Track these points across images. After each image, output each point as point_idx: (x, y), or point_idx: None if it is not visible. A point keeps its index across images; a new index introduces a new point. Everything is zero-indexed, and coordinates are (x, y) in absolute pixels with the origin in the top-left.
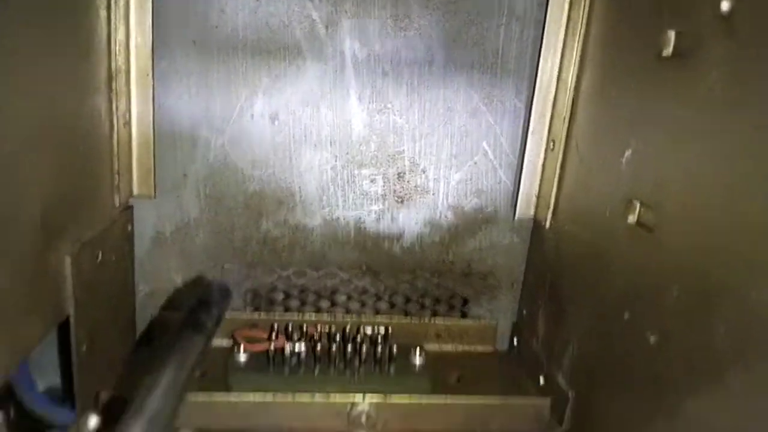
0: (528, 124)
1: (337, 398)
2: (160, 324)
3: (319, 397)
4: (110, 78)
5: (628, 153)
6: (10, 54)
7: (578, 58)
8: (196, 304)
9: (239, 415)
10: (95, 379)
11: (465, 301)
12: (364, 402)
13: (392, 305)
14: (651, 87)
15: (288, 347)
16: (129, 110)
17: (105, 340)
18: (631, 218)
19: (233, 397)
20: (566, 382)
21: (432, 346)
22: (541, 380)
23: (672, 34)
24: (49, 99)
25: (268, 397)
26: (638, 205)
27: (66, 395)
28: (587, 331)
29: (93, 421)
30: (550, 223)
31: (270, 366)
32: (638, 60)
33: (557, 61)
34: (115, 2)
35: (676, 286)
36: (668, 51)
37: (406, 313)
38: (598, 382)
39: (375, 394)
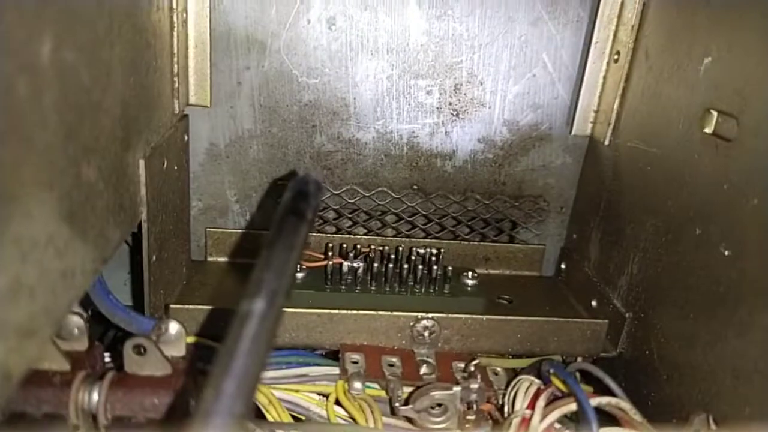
0: (591, 35)
1: (400, 315)
2: None
3: (382, 313)
4: None
5: (707, 60)
6: None
7: None
8: (293, 195)
9: (301, 328)
10: (164, 291)
11: (513, 225)
12: (427, 319)
13: (442, 228)
14: None
15: (345, 265)
16: (186, 8)
17: (170, 253)
18: (708, 129)
19: (296, 311)
20: (622, 304)
21: (480, 270)
22: (594, 303)
23: None
24: None
25: (332, 312)
26: (716, 115)
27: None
28: (649, 250)
29: (174, 327)
30: (610, 140)
31: (327, 283)
32: None
33: None
34: None
35: (756, 196)
36: None
37: (455, 236)
38: (658, 302)
39: (435, 313)
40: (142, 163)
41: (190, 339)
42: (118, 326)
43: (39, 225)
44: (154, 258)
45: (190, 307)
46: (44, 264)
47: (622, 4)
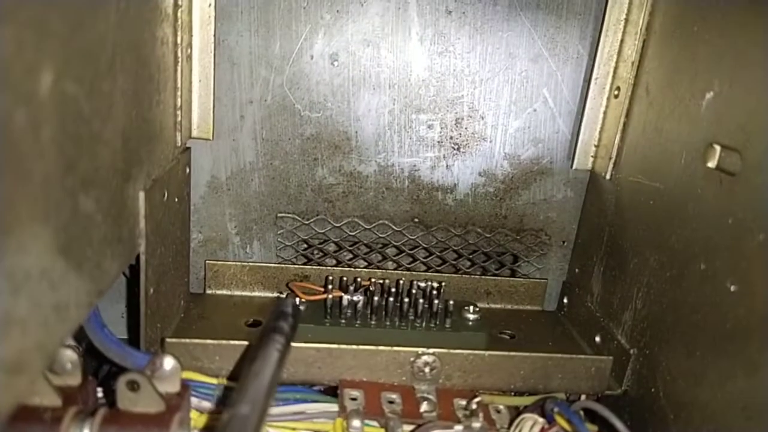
0: (591, 71)
1: (400, 350)
2: None
3: (382, 348)
4: (176, 5)
5: (709, 95)
6: None
7: None
8: (275, 315)
9: (299, 363)
10: (160, 325)
11: (515, 259)
12: (427, 354)
13: (443, 261)
14: (741, 22)
15: (345, 298)
16: (191, 44)
17: (168, 286)
18: (711, 163)
19: (295, 345)
20: (626, 340)
21: (481, 304)
22: (597, 339)
23: None
24: (123, 21)
25: (331, 347)
26: (719, 149)
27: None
28: (653, 286)
29: (169, 362)
30: (611, 174)
31: (326, 317)
32: None
33: (626, 3)
34: None
35: (762, 231)
36: None
37: (456, 270)
38: (664, 339)
39: (436, 348)
40: (142, 195)
41: (186, 374)
42: (112, 361)
43: (33, 257)
44: (151, 291)
45: (187, 341)
46: (37, 297)
47: (622, 40)
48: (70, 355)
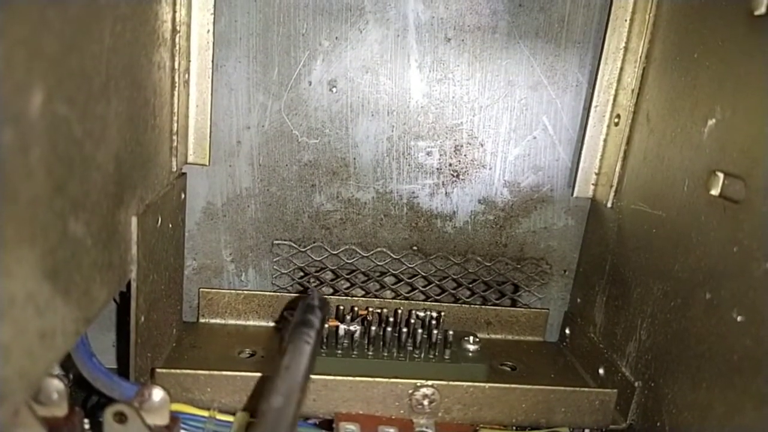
0: (590, 99)
1: (398, 382)
2: None
3: (379, 380)
4: (174, 30)
5: (711, 122)
6: None
7: (650, 26)
8: (303, 309)
9: None
10: (151, 354)
11: (516, 288)
12: (426, 387)
13: (442, 290)
14: (742, 48)
15: (342, 328)
16: (189, 69)
17: (160, 314)
18: (714, 191)
19: None
20: (631, 372)
21: (481, 334)
22: (601, 371)
23: None
24: (118, 44)
25: (327, 379)
26: (722, 177)
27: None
28: (657, 316)
29: (158, 394)
30: (613, 202)
31: (323, 347)
32: (725, 21)
33: (625, 31)
34: None
35: (767, 259)
36: (761, 10)
37: (456, 299)
38: (669, 371)
39: (435, 380)
40: (134, 220)
41: (175, 406)
42: (99, 391)
43: (18, 282)
44: (142, 319)
45: (177, 371)
46: (21, 323)
47: (622, 68)
48: (56, 385)
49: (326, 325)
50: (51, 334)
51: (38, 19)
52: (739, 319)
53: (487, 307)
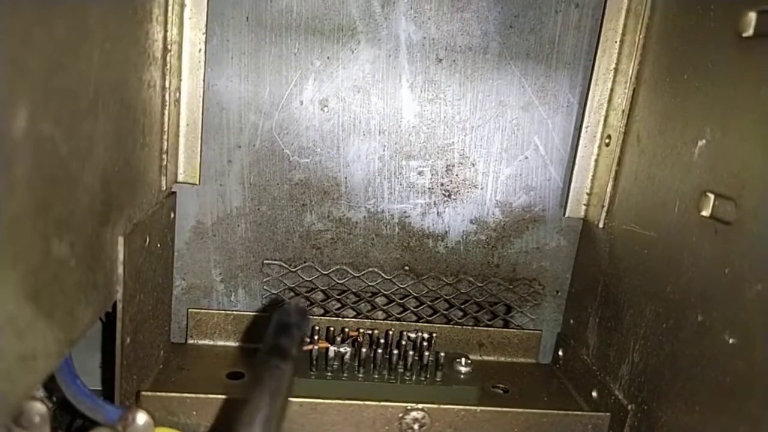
0: (581, 120)
1: (388, 405)
2: None
3: (369, 403)
4: (165, 50)
5: (701, 142)
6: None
7: (640, 48)
8: (275, 330)
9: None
10: (137, 377)
11: (508, 309)
12: (417, 410)
13: (434, 311)
14: (731, 70)
15: (332, 350)
16: (179, 88)
17: (146, 336)
18: (705, 212)
19: None
20: (624, 395)
21: (473, 356)
22: (594, 394)
23: (753, 15)
24: (107, 63)
25: (315, 402)
26: (713, 198)
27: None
28: (650, 338)
29: (142, 418)
30: (604, 223)
31: (312, 369)
32: (714, 43)
33: (615, 53)
34: None
35: (759, 281)
36: (749, 32)
37: (448, 320)
38: (662, 393)
39: (426, 404)
40: (121, 239)
41: (161, 430)
42: (83, 414)
43: None
44: (128, 340)
45: (163, 394)
46: (0, 346)
47: (612, 89)
48: (38, 408)
49: (316, 347)
50: (32, 357)
51: (24, 37)
52: (731, 341)
53: (479, 328)
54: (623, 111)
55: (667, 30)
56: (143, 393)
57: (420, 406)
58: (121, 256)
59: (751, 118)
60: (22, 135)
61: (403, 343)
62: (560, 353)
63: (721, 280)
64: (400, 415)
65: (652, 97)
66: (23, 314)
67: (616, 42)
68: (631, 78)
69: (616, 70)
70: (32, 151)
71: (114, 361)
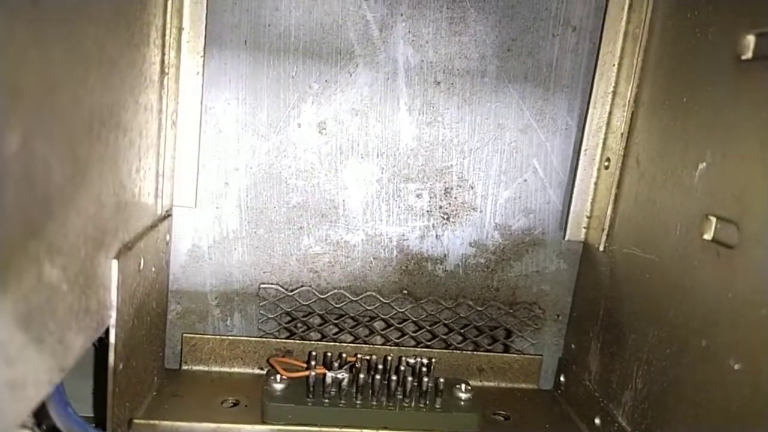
0: (580, 143)
1: None
2: None
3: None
4: (163, 72)
5: (702, 165)
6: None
7: (638, 71)
8: None
9: None
10: (129, 404)
11: (508, 334)
12: None
13: (433, 335)
14: (730, 93)
15: (329, 376)
16: (177, 110)
17: (139, 362)
18: (707, 235)
19: (274, 428)
20: (628, 422)
21: (473, 381)
22: (597, 421)
23: (752, 38)
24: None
25: (312, 430)
26: (715, 221)
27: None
28: (653, 363)
29: None
30: (605, 246)
31: (309, 396)
32: (712, 67)
33: (613, 76)
34: None
35: (764, 305)
36: (748, 55)
37: (447, 345)
38: (666, 420)
39: (426, 431)
40: (114, 263)
41: None
42: None
43: None
44: (120, 366)
45: (155, 422)
46: None
47: (610, 112)
48: None
49: (313, 372)
50: (22, 385)
51: (19, 58)
52: (736, 367)
53: (479, 353)
54: (622, 134)
55: (665, 53)
56: (135, 420)
57: None
58: (114, 281)
59: (751, 140)
60: (14, 157)
61: (402, 368)
62: (562, 379)
63: (725, 305)
64: None
65: (651, 120)
66: (13, 341)
67: (614, 65)
68: (629, 101)
69: (614, 93)
70: (24, 173)
71: (106, 387)
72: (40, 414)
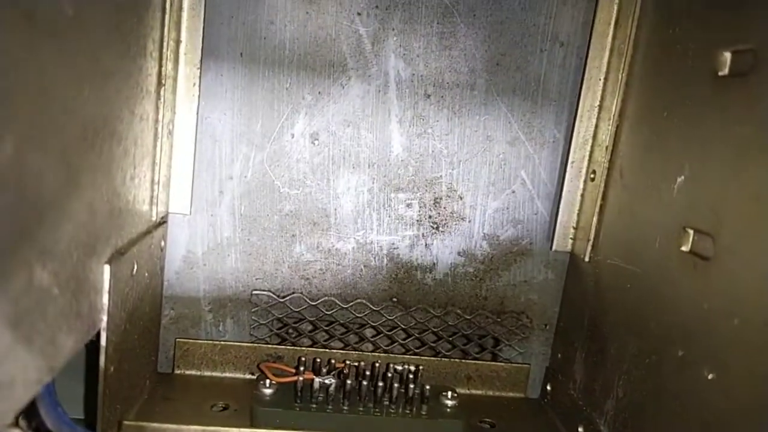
0: (567, 155)
1: None
2: None
3: None
4: (159, 83)
5: (680, 179)
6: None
7: (623, 85)
8: None
9: None
10: (120, 406)
11: (496, 342)
12: None
13: (422, 343)
14: (707, 108)
15: (317, 381)
16: (173, 120)
17: (131, 365)
18: (685, 247)
19: None
20: (610, 430)
21: (461, 389)
22: (581, 430)
23: (728, 55)
24: (99, 96)
25: None
26: (692, 233)
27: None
28: (634, 373)
29: None
30: (590, 257)
31: (297, 401)
32: (692, 82)
33: (599, 90)
34: (171, 4)
35: (737, 316)
36: (724, 71)
37: (436, 353)
38: (646, 429)
39: None
40: (107, 268)
41: None
42: None
43: None
44: (111, 369)
45: (145, 424)
46: None
47: (597, 126)
48: None
49: (302, 378)
50: (9, 385)
51: (12, 67)
52: (710, 377)
53: (467, 361)
54: (607, 147)
55: (648, 68)
56: (125, 422)
57: None
58: (106, 285)
59: (726, 154)
60: (7, 162)
61: (389, 375)
62: (548, 388)
63: (701, 316)
64: None
65: (634, 133)
66: (2, 341)
67: (600, 80)
68: (614, 115)
69: (600, 107)
70: (16, 180)
71: (97, 389)
72: (30, 414)
